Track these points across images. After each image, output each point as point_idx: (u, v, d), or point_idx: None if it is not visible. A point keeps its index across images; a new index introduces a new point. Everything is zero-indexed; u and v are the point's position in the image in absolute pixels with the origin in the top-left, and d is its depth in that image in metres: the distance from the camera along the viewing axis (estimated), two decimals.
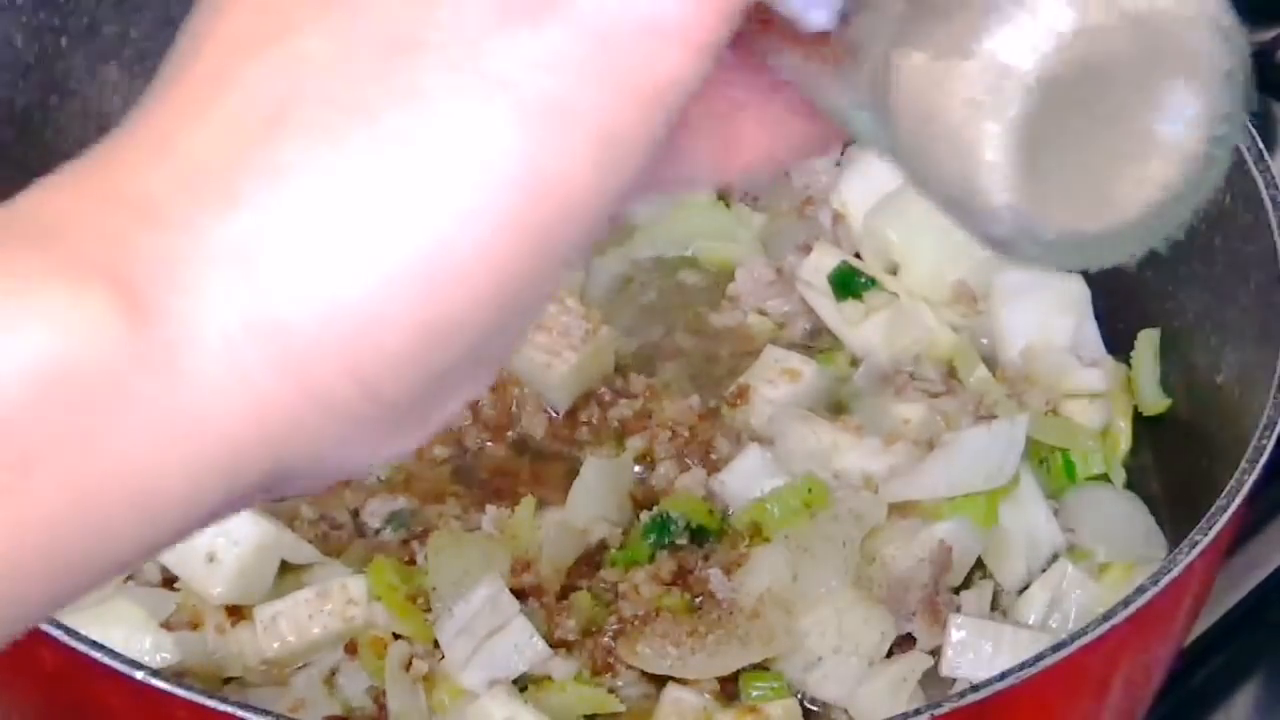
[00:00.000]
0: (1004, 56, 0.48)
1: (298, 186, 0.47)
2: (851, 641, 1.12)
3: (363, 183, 0.47)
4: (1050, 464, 1.22)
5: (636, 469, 1.22)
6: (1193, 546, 0.99)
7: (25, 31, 1.26)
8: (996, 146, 0.48)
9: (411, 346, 0.48)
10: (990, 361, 1.26)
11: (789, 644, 1.11)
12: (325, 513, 1.18)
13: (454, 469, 1.22)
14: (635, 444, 1.22)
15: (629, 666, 1.11)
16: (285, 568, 1.13)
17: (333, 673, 1.11)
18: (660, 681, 1.11)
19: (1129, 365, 1.25)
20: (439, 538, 1.15)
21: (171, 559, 1.12)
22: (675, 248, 1.36)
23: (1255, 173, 1.13)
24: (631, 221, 1.36)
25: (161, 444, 0.46)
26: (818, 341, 1.31)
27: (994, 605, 1.16)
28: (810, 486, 1.17)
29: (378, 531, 1.18)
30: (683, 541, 1.16)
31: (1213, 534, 0.99)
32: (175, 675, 1.00)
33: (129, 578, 1.13)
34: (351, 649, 1.11)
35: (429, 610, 1.11)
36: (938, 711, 0.93)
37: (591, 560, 1.17)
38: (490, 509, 1.17)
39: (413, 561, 1.15)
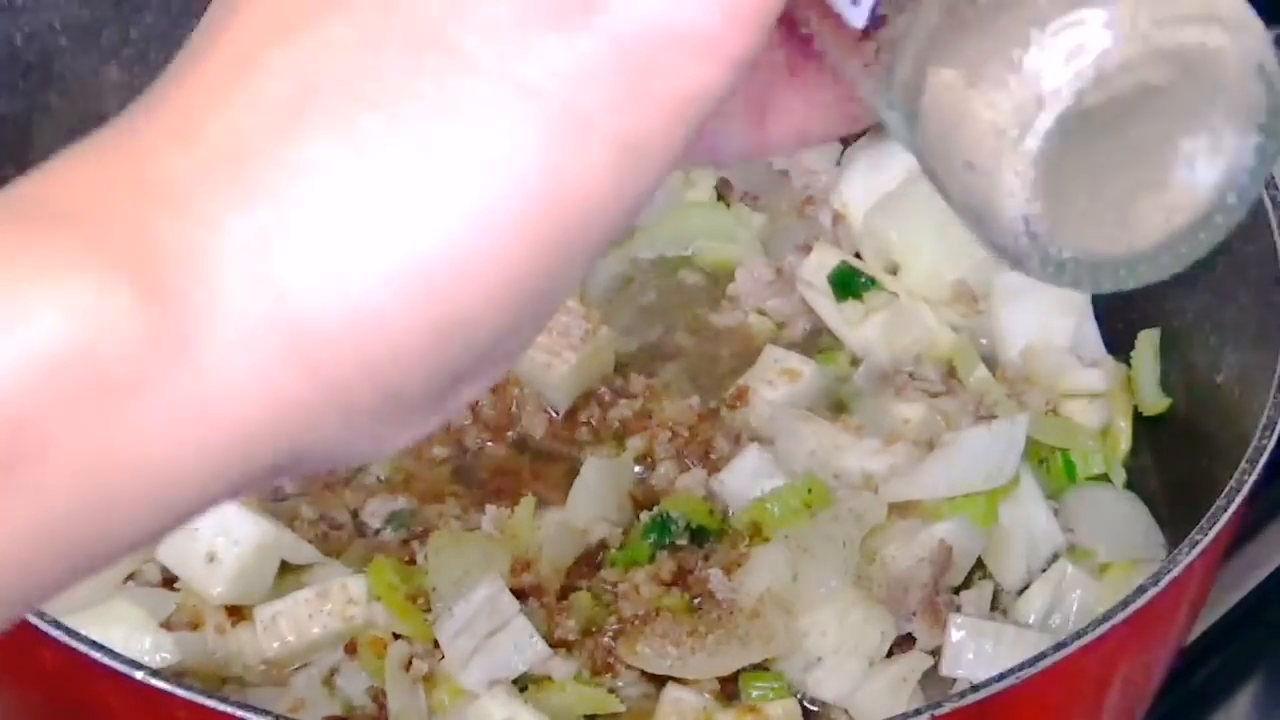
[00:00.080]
0: (1034, 86, 0.47)
1: (317, 181, 0.47)
2: (851, 641, 1.12)
3: (382, 180, 0.47)
4: (1050, 464, 1.22)
5: (636, 469, 1.22)
6: (1193, 546, 0.99)
7: (25, 31, 1.26)
8: (1019, 171, 0.48)
9: (424, 344, 0.48)
10: (990, 361, 1.26)
11: (789, 644, 1.11)
12: (325, 513, 1.18)
13: (454, 469, 1.22)
14: (635, 444, 1.22)
15: (629, 666, 1.11)
16: (285, 568, 1.13)
17: (333, 673, 1.11)
18: (660, 681, 1.11)
19: (1129, 365, 1.25)
20: (439, 538, 1.15)
21: (171, 559, 1.12)
22: (675, 248, 1.36)
23: None
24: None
25: (177, 433, 0.47)
26: (818, 341, 1.31)
27: (994, 605, 1.16)
28: (810, 486, 1.17)
29: (378, 531, 1.18)
30: (683, 541, 1.16)
31: (1213, 534, 0.99)
32: (175, 675, 1.00)
33: (129, 578, 1.13)
34: (351, 649, 1.11)
35: (429, 610, 1.11)
36: (938, 711, 0.93)
37: (591, 560, 1.17)
38: (490, 509, 1.17)
39: (413, 561, 1.15)
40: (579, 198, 0.48)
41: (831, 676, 1.11)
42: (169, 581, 1.13)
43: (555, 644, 1.10)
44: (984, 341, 1.28)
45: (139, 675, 0.92)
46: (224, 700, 0.91)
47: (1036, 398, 1.23)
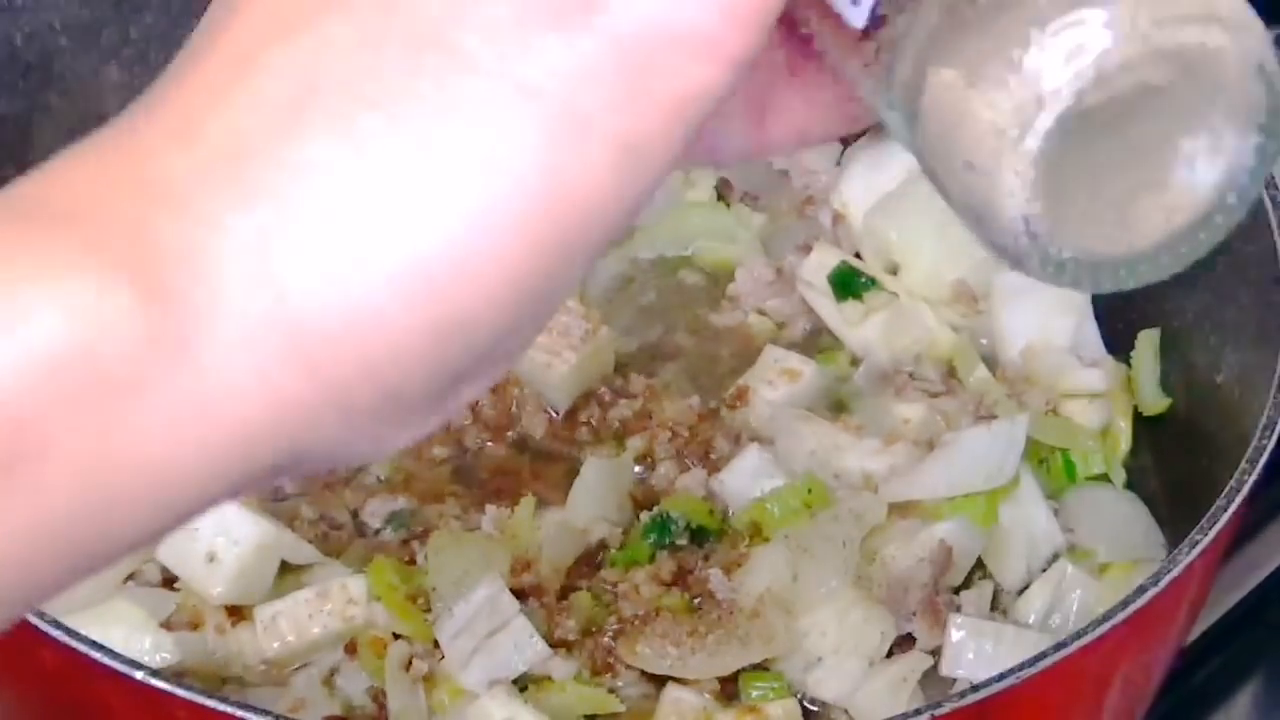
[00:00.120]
0: (1035, 85, 0.47)
1: (318, 181, 0.47)
2: (851, 641, 1.12)
3: (382, 180, 0.47)
4: (1050, 464, 1.22)
5: (636, 469, 1.22)
6: (1193, 546, 0.99)
7: (25, 31, 1.26)
8: (1019, 170, 0.48)
9: (425, 344, 0.48)
10: (990, 361, 1.26)
11: (789, 644, 1.11)
12: (325, 513, 1.18)
13: (454, 469, 1.22)
14: (635, 444, 1.22)
15: (629, 666, 1.11)
16: (285, 568, 1.13)
17: (333, 673, 1.11)
18: (660, 681, 1.11)
19: (1129, 365, 1.25)
20: (439, 538, 1.15)
21: (171, 559, 1.12)
22: (675, 248, 1.36)
23: None
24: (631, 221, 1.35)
25: (177, 433, 0.47)
26: (818, 341, 1.31)
27: (994, 605, 1.16)
28: (810, 486, 1.17)
29: (378, 531, 1.18)
30: (683, 541, 1.16)
31: (1213, 534, 0.99)
32: (175, 675, 1.00)
33: (129, 578, 1.13)
34: (351, 649, 1.11)
35: (429, 610, 1.11)
36: (938, 711, 0.93)
37: (591, 560, 1.17)
38: (490, 509, 1.17)
39: (413, 561, 1.15)
40: (579, 197, 0.48)
41: (831, 676, 1.11)
42: (169, 581, 1.13)
43: (555, 644, 1.10)
44: (984, 341, 1.28)
45: (139, 675, 0.92)
46: (224, 700, 0.91)
47: (1036, 398, 1.23)
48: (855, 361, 1.28)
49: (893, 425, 1.22)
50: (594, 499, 1.18)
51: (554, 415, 1.25)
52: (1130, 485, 1.23)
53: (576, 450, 1.23)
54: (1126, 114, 0.48)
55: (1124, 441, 1.24)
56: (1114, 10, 0.47)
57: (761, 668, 1.12)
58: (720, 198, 1.38)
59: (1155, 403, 1.24)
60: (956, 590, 1.16)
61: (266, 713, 0.91)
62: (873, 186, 1.31)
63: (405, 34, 0.48)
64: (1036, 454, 1.21)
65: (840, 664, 1.11)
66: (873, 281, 1.29)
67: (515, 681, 1.08)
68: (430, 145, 0.47)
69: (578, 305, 1.25)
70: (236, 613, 1.11)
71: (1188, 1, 0.48)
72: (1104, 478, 1.23)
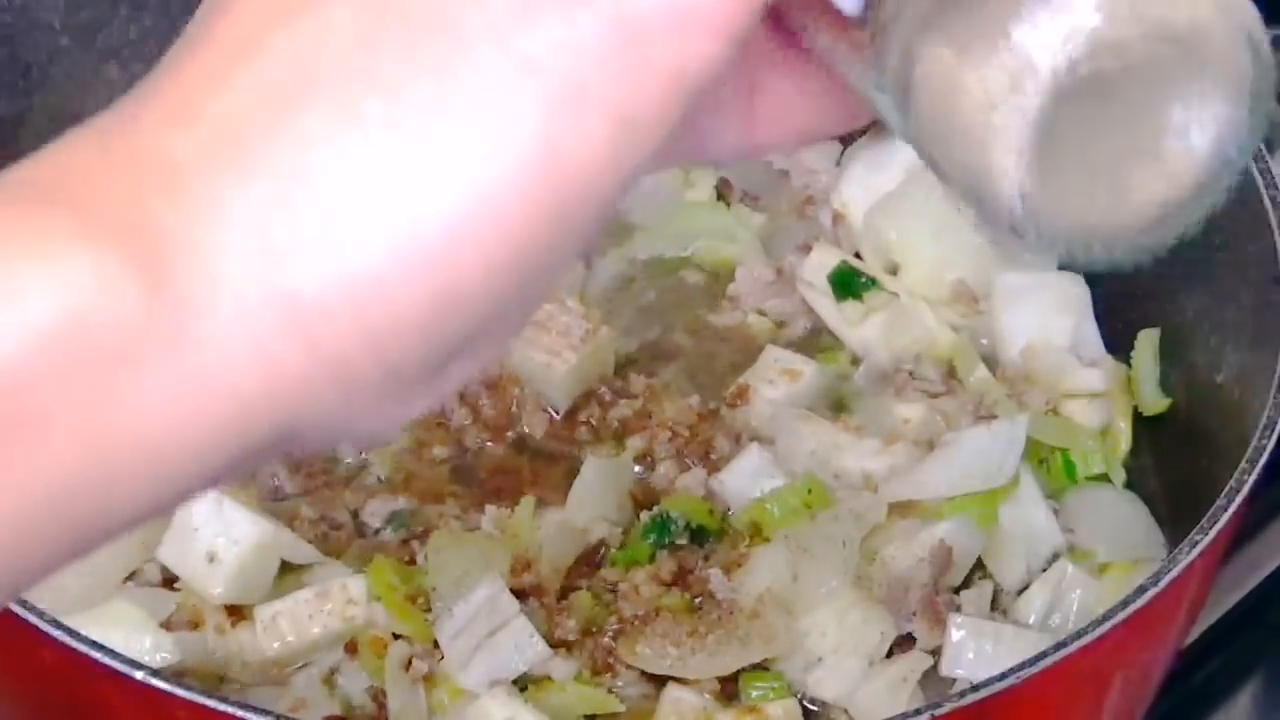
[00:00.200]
0: (1026, 58, 0.48)
1: (317, 155, 0.48)
2: (851, 641, 1.12)
3: (382, 154, 0.48)
4: (1050, 464, 1.22)
5: (636, 469, 1.22)
6: (1193, 546, 0.99)
7: (25, 32, 1.26)
8: (1013, 143, 0.48)
9: (424, 315, 0.48)
10: (990, 361, 1.26)
11: (789, 644, 1.11)
12: (325, 513, 1.18)
13: (454, 469, 1.22)
14: (635, 444, 1.22)
15: (629, 666, 1.11)
16: (285, 568, 1.13)
17: (333, 673, 1.11)
18: (660, 681, 1.11)
19: (1129, 365, 1.25)
20: (439, 538, 1.15)
21: (171, 559, 1.12)
22: (675, 248, 1.36)
23: (1255, 172, 1.13)
24: (631, 221, 1.36)
25: (174, 404, 0.47)
26: (818, 341, 1.31)
27: (994, 605, 1.16)
28: (810, 486, 1.17)
29: (378, 531, 1.18)
30: (683, 541, 1.16)
31: (1213, 534, 0.99)
32: (175, 675, 1.00)
33: (129, 578, 1.13)
34: (351, 649, 1.11)
35: (429, 610, 1.11)
36: (938, 711, 0.93)
37: (591, 560, 1.17)
38: (490, 509, 1.17)
39: (413, 561, 1.15)
40: (576, 168, 0.49)
41: (831, 676, 1.11)
42: (169, 581, 1.13)
43: (555, 644, 1.10)
44: (984, 341, 1.28)
45: (139, 675, 0.92)
46: (224, 700, 0.91)
47: (1036, 398, 1.23)
48: (855, 361, 1.28)
49: (893, 425, 1.22)
50: (594, 499, 1.18)
51: (554, 415, 1.25)
52: (1130, 485, 1.23)
53: (576, 450, 1.23)
54: (1117, 86, 0.49)
55: (1124, 441, 1.24)
56: None
57: (761, 668, 1.12)
58: (720, 198, 1.37)
59: (1155, 403, 1.24)
60: (956, 590, 1.16)
61: (266, 713, 0.91)
62: (873, 186, 1.31)
63: (405, 13, 0.48)
64: (1036, 454, 1.21)
65: (840, 664, 1.11)
66: (873, 281, 1.29)
67: (515, 681, 1.08)
68: (429, 118, 0.48)
69: (578, 305, 1.25)
70: (236, 613, 1.11)
71: None
72: (1104, 478, 1.23)
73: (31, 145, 0.50)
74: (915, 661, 1.12)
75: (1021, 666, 0.94)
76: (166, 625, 1.10)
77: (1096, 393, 1.24)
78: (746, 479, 1.19)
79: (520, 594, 1.12)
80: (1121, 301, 1.26)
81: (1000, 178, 0.49)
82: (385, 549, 1.16)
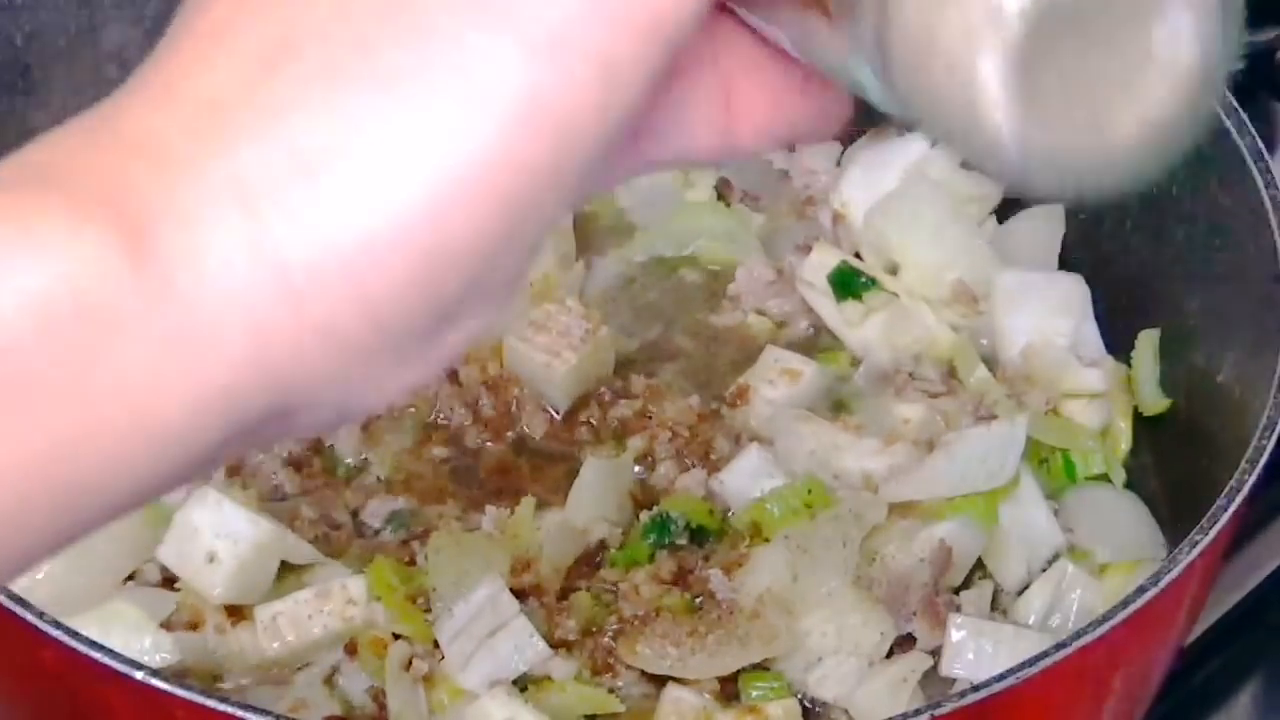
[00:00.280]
0: None
1: (297, 121, 0.48)
2: (851, 641, 1.12)
3: (364, 115, 0.48)
4: (1050, 464, 1.22)
5: (636, 469, 1.22)
6: (1193, 546, 0.99)
7: (25, 31, 1.26)
8: (995, 72, 0.49)
9: (414, 273, 0.48)
10: (990, 361, 1.26)
11: (789, 644, 1.11)
12: (325, 513, 1.18)
13: (454, 469, 1.22)
14: (635, 444, 1.22)
15: (629, 666, 1.11)
16: (285, 568, 1.13)
17: (333, 673, 1.11)
18: (660, 681, 1.11)
19: (1129, 365, 1.25)
20: (439, 538, 1.15)
21: (171, 559, 1.12)
22: (675, 248, 1.36)
23: (1255, 173, 1.13)
24: (631, 221, 1.36)
25: (161, 372, 0.47)
26: (818, 341, 1.31)
27: (994, 605, 1.16)
28: (810, 486, 1.17)
29: (378, 532, 1.18)
30: (683, 541, 1.16)
31: (1213, 534, 0.99)
32: (175, 675, 1.00)
33: (129, 578, 1.13)
34: (351, 649, 1.11)
35: (429, 610, 1.11)
36: (938, 711, 0.93)
37: (591, 560, 1.17)
38: (490, 509, 1.17)
39: (413, 561, 1.15)
40: (563, 114, 0.49)
41: (831, 676, 1.11)
42: (169, 581, 1.13)
43: (555, 644, 1.10)
44: (984, 341, 1.28)
45: (139, 675, 0.92)
46: (224, 700, 0.91)
47: (1036, 398, 1.23)
48: (855, 361, 1.28)
49: (893, 425, 1.22)
50: (594, 499, 1.18)
51: (554, 415, 1.25)
52: (1130, 485, 1.23)
53: (576, 450, 1.23)
54: (1096, 10, 0.49)
55: (1124, 441, 1.24)
56: None
57: (761, 668, 1.12)
58: (720, 198, 1.38)
59: (1155, 403, 1.24)
60: (956, 590, 1.16)
61: (266, 713, 0.91)
62: (873, 186, 1.31)
63: None
64: (1036, 454, 1.21)
65: (840, 664, 1.11)
66: (873, 281, 1.29)
67: (515, 681, 1.08)
68: (411, 75, 0.48)
69: (578, 305, 1.25)
70: (236, 613, 1.11)
71: None
72: (1104, 478, 1.23)
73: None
74: (915, 662, 1.12)
75: (1021, 666, 0.94)
76: (166, 625, 1.10)
77: (1096, 393, 1.24)
78: (746, 479, 1.19)
79: (520, 594, 1.12)
80: (1121, 301, 1.26)
81: (986, 112, 0.49)
82: (385, 549, 1.16)
